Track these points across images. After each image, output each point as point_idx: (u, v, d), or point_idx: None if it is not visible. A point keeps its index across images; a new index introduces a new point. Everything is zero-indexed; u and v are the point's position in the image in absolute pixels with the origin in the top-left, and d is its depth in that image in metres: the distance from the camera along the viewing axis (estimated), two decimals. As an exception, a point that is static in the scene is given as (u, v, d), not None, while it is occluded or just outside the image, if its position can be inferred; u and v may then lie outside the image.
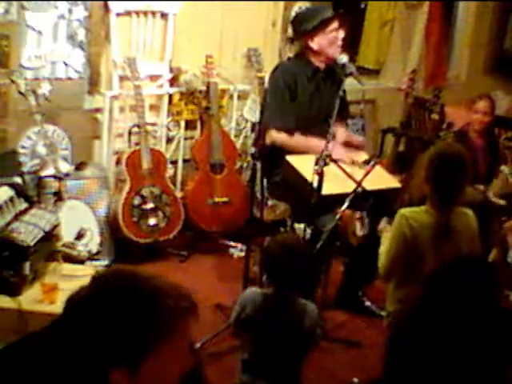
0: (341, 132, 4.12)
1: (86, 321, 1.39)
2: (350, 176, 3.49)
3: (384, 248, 3.14)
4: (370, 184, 3.46)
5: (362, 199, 3.42)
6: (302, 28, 4.06)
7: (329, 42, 3.94)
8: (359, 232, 4.26)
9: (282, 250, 2.67)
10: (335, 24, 3.95)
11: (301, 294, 2.74)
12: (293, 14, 5.23)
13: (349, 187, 3.43)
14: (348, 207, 3.33)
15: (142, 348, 1.37)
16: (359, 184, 3.36)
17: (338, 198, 3.39)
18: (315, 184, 3.38)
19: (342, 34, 3.97)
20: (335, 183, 3.46)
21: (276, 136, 3.92)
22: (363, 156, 3.91)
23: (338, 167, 3.50)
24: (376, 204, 3.80)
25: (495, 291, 1.88)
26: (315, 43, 3.98)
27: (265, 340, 2.69)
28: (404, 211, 3.06)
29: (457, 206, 3.07)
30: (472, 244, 3.08)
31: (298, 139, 3.94)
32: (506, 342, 1.48)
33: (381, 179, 3.71)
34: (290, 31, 5.26)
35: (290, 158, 3.80)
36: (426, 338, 1.49)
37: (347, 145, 4.06)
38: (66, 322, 1.42)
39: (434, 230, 3.01)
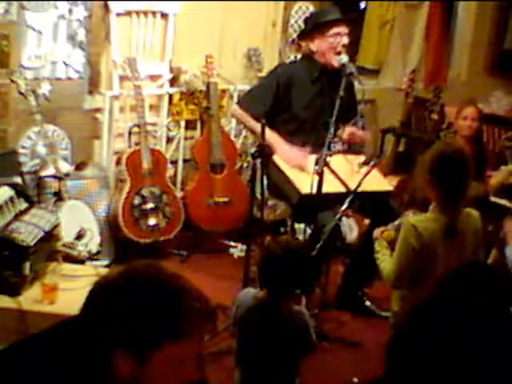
0: (346, 130, 4.06)
1: (107, 299, 1.43)
2: (341, 180, 3.50)
3: (382, 256, 3.11)
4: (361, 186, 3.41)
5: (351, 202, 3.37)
6: (305, 28, 4.05)
7: (328, 46, 3.87)
8: (349, 237, 4.26)
9: (284, 252, 2.61)
10: (337, 29, 3.86)
11: (294, 296, 2.71)
12: (293, 13, 5.25)
13: (340, 187, 3.46)
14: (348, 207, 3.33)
15: (154, 339, 1.39)
16: (359, 185, 3.35)
17: (331, 197, 3.39)
18: (298, 183, 3.38)
19: (345, 40, 3.88)
20: (328, 182, 3.45)
21: (236, 109, 4.06)
22: (362, 159, 3.89)
23: (331, 171, 3.49)
24: (369, 206, 3.78)
25: (504, 298, 1.86)
26: (314, 45, 3.95)
27: (255, 342, 2.66)
28: (411, 220, 3.00)
29: (463, 208, 3.04)
30: (476, 246, 3.07)
31: (255, 124, 3.88)
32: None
33: (373, 181, 3.63)
34: (290, 31, 5.27)
35: (277, 158, 3.79)
36: (428, 341, 1.49)
37: (350, 141, 4.03)
38: (89, 299, 1.46)
39: (443, 234, 2.96)
